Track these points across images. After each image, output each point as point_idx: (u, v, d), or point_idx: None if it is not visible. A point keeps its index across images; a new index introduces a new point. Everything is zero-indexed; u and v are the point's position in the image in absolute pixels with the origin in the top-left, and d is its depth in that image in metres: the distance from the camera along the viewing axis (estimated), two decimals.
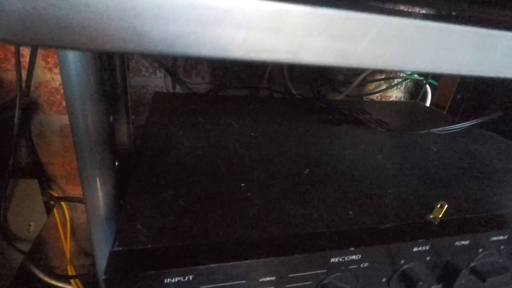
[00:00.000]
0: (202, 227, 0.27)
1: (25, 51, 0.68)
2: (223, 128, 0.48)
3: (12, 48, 0.64)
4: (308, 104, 0.68)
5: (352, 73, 0.94)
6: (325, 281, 0.28)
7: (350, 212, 0.31)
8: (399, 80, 0.97)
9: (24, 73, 0.70)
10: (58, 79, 0.73)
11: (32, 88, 0.73)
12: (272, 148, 0.43)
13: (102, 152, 0.35)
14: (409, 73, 0.94)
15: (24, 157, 0.76)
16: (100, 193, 0.38)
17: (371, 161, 0.43)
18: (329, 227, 0.29)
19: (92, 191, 0.37)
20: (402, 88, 1.02)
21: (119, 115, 0.39)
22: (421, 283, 0.29)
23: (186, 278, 0.23)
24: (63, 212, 0.80)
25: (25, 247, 0.58)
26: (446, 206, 0.32)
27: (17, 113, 0.52)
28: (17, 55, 0.51)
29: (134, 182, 0.31)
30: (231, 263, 0.23)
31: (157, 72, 0.77)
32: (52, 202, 0.73)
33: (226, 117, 0.52)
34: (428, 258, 0.31)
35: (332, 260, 0.26)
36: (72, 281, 0.65)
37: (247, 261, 0.24)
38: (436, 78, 0.91)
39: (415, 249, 0.29)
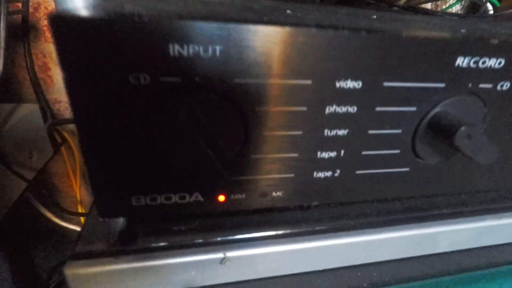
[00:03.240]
0: None
1: None
2: None
3: None
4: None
5: None
6: (436, 110, 0.16)
7: (463, 30, 0.20)
8: (451, 2, 0.82)
9: None
10: None
11: (31, 10, 0.64)
12: None
13: None
14: None
15: (29, 94, 0.69)
16: None
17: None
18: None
19: None
20: None
21: None
22: None
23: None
24: (73, 155, 0.73)
25: (27, 176, 0.50)
26: None
27: (3, 12, 0.43)
28: None
29: None
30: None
31: None
32: (58, 141, 0.66)
33: None
34: None
35: (458, 62, 0.15)
36: (82, 219, 0.58)
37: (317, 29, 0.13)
38: None
39: None
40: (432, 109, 0.16)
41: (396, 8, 0.38)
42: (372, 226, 0.20)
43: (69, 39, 0.11)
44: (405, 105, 0.16)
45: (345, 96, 0.15)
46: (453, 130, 0.15)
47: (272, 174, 0.16)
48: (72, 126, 0.73)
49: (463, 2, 0.87)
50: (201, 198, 0.16)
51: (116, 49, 0.12)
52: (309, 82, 0.14)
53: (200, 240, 0.17)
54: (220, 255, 0.18)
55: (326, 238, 0.19)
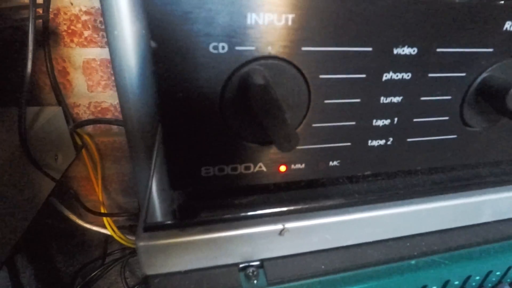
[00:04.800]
0: None
1: None
2: None
3: None
4: None
5: None
6: (484, 75, 0.17)
7: None
8: None
9: None
10: (78, 3, 0.66)
11: (51, 16, 0.66)
12: None
13: None
14: None
15: (49, 98, 0.71)
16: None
17: None
18: None
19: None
20: None
21: None
22: None
23: None
24: (93, 159, 0.74)
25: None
26: None
27: (31, 15, 0.44)
28: None
29: None
30: None
31: None
32: (79, 142, 0.67)
33: None
34: None
35: (507, 26, 0.16)
36: (104, 219, 0.59)
37: None
38: None
39: None
40: (481, 74, 0.17)
41: None
42: (420, 196, 0.21)
43: (159, 12, 0.12)
44: (455, 71, 0.17)
45: (401, 63, 0.16)
46: (503, 92, 0.16)
47: (330, 143, 0.17)
48: (92, 129, 0.74)
49: None
50: (264, 169, 0.17)
51: (201, 19, 0.12)
52: (369, 49, 0.15)
53: (262, 211, 0.18)
54: (279, 226, 0.18)
55: (378, 208, 0.20)
